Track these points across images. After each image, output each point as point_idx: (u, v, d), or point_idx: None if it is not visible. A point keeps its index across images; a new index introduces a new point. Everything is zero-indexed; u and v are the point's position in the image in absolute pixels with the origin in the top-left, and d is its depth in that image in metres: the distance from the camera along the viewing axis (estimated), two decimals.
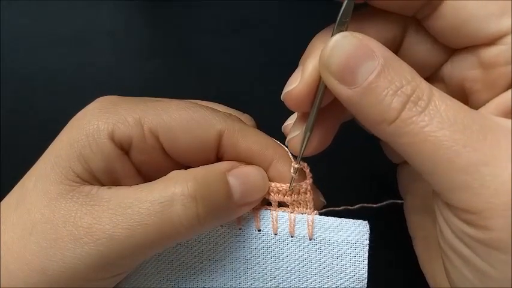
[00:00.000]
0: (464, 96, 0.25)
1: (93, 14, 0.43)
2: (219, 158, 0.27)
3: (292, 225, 0.27)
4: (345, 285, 0.27)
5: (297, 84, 0.24)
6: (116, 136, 0.24)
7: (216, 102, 0.31)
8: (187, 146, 0.25)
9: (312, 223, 0.27)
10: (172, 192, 0.23)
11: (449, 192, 0.21)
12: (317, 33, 0.25)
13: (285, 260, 0.27)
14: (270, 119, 0.29)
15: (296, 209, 0.28)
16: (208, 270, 0.28)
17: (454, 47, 0.24)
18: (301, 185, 0.27)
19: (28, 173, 0.25)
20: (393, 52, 0.25)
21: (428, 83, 0.22)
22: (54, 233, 0.23)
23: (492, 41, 0.22)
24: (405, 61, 0.25)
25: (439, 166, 0.21)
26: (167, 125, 0.25)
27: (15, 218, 0.24)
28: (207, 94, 0.32)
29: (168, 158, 0.26)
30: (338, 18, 0.22)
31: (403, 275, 0.38)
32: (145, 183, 0.24)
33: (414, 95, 0.21)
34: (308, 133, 0.25)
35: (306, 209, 0.28)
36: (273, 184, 0.27)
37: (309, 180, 0.28)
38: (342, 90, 0.22)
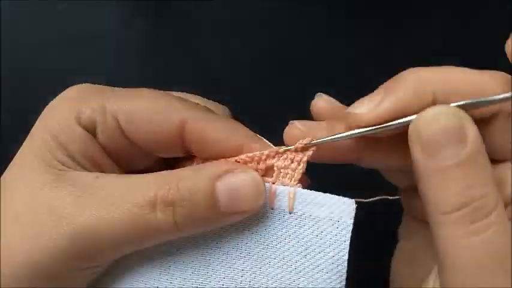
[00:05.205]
0: None
1: (93, 14, 0.43)
2: (185, 147, 0.27)
3: (272, 197, 0.26)
4: (324, 266, 0.25)
5: (367, 112, 0.24)
6: (82, 120, 0.25)
7: (216, 102, 0.31)
8: (147, 132, 0.26)
9: (294, 195, 0.26)
10: (154, 195, 0.24)
11: None
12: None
13: (262, 233, 0.26)
14: (269, 118, 0.29)
15: (281, 179, 0.26)
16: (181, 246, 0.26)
17: None
18: (298, 154, 0.26)
19: (9, 166, 0.26)
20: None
21: (499, 198, 0.21)
22: (37, 222, 0.23)
23: None
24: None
25: (453, 279, 0.21)
26: (127, 111, 0.26)
27: (1, 211, 0.24)
28: (207, 94, 0.32)
29: (133, 143, 0.26)
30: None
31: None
32: (133, 176, 0.25)
33: (478, 203, 0.21)
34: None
35: (290, 181, 0.26)
36: (256, 153, 0.26)
37: (309, 152, 0.26)
38: (419, 157, 0.22)
